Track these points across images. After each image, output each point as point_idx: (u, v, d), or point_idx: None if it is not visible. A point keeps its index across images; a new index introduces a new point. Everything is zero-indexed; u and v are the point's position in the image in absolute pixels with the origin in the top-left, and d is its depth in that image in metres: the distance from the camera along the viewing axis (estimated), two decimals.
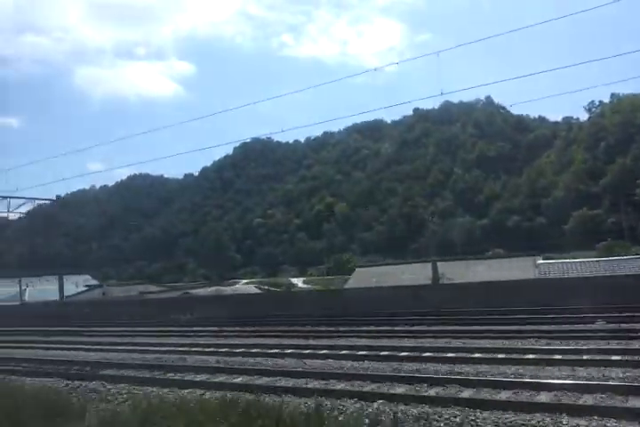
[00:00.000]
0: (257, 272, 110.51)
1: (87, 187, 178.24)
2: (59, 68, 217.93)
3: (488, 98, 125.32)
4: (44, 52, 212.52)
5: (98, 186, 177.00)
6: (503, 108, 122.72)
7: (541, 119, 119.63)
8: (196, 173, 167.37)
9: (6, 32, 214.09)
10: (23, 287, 41.27)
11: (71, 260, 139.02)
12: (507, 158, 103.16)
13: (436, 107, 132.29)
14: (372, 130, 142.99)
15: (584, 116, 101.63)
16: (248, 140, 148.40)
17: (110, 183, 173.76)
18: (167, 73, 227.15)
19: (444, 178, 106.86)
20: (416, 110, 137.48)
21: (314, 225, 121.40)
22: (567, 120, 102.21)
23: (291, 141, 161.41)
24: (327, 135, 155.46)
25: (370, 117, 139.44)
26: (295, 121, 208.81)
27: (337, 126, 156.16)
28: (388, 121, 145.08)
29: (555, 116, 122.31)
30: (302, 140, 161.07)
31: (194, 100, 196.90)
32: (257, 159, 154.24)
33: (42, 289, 42.66)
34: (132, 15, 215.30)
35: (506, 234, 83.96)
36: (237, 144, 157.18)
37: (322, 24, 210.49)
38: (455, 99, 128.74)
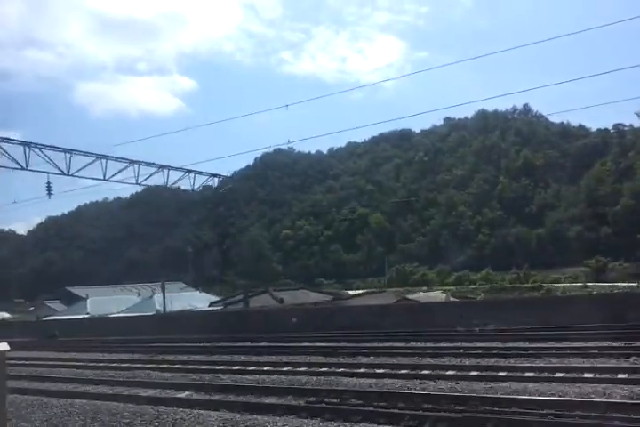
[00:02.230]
0: (290, 284, 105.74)
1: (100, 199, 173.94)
2: (60, 82, 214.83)
3: (526, 106, 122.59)
4: (45, 66, 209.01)
5: (111, 198, 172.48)
6: (542, 116, 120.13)
7: (581, 127, 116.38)
8: (215, 184, 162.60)
9: (8, 47, 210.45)
10: (135, 296, 36.30)
11: (88, 273, 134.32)
12: (555, 167, 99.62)
13: (470, 116, 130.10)
14: (401, 139, 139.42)
15: (636, 123, 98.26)
16: (270, 151, 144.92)
17: (125, 195, 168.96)
18: (169, 88, 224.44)
19: (490, 187, 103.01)
20: (447, 119, 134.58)
21: (346, 237, 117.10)
22: (617, 127, 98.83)
23: (313, 152, 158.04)
24: (351, 145, 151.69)
25: (392, 127, 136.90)
26: (308, 132, 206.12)
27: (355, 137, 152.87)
28: (417, 130, 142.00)
29: (594, 123, 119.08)
30: (324, 150, 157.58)
31: (196, 116, 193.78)
32: (280, 170, 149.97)
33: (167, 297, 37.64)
34: (134, 31, 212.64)
35: (568, 244, 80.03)
36: (258, 155, 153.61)
37: (321, 41, 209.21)
38: (490, 107, 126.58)
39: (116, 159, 21.20)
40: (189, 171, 24.82)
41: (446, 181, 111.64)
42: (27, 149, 18.62)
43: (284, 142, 55.47)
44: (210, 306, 35.69)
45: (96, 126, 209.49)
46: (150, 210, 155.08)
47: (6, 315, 55.65)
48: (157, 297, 36.90)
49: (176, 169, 23.50)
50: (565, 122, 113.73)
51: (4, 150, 18.08)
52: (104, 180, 21.24)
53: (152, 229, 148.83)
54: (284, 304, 26.41)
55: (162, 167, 22.64)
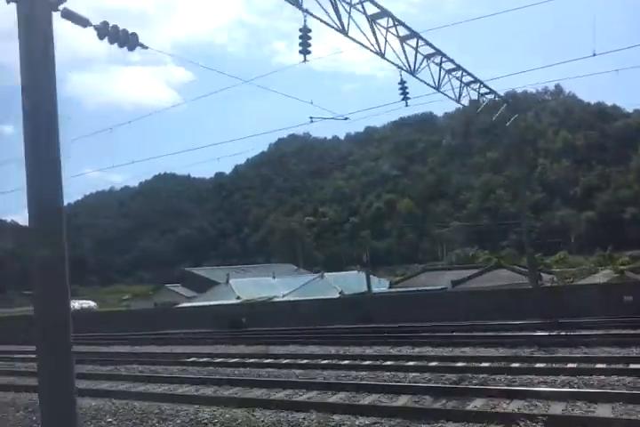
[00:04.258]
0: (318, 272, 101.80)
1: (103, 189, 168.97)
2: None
3: (558, 86, 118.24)
4: None
5: (118, 187, 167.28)
6: (575, 96, 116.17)
7: (615, 107, 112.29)
8: (228, 172, 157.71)
9: None
10: (271, 278, 31.47)
11: (100, 264, 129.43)
12: (597, 148, 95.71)
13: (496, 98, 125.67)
14: (424, 123, 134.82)
15: None
16: (284, 137, 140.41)
17: (133, 184, 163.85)
18: (164, 79, 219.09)
19: (529, 170, 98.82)
20: (473, 102, 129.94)
21: (373, 223, 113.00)
22: None
23: (329, 137, 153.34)
24: (370, 130, 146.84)
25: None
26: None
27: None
28: (439, 114, 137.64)
29: (623, 103, 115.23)
30: (341, 136, 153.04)
31: (191, 106, 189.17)
32: (296, 156, 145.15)
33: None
34: (127, 21, 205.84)
35: (625, 226, 76.38)
36: (272, 140, 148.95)
37: (314, 31, 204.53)
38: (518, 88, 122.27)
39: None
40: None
41: (479, 164, 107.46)
42: (427, 62, 14.07)
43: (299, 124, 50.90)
44: (390, 287, 32.54)
45: (91, 118, 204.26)
46: (160, 199, 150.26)
47: (92, 303, 51.33)
48: (329, 276, 32.99)
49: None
50: (601, 102, 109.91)
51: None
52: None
53: (163, 218, 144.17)
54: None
55: (473, 82, 18.08)
